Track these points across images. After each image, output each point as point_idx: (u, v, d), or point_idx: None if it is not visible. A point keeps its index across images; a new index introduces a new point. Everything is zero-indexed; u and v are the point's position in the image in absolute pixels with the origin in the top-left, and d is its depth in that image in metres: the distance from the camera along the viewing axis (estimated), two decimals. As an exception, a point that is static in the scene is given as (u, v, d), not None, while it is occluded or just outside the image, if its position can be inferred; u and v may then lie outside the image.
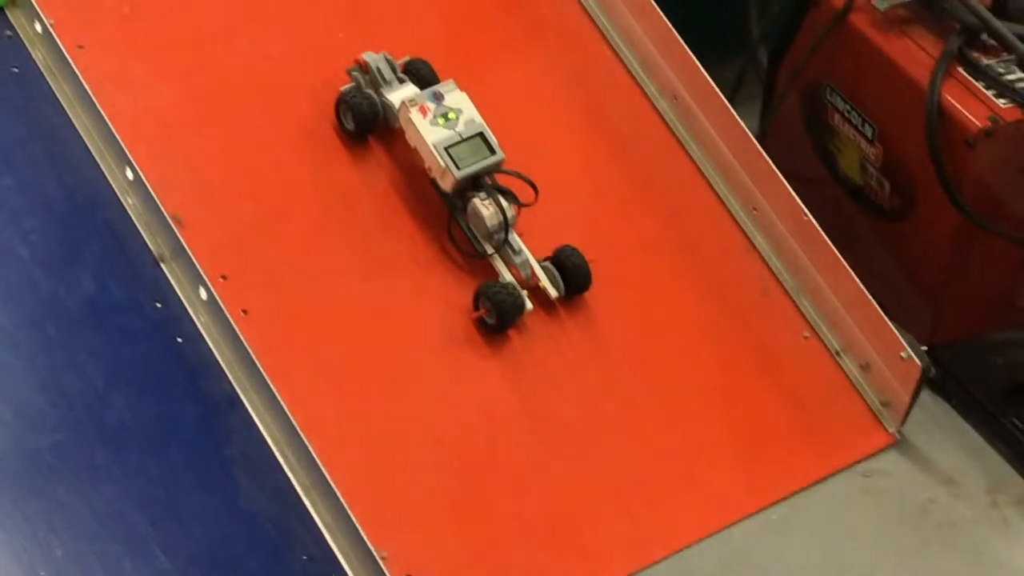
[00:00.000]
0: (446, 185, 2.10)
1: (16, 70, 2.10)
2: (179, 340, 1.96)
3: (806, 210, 2.16)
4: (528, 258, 2.11)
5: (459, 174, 2.08)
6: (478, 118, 2.11)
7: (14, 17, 2.13)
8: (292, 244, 2.09)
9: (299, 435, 1.86)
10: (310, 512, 1.86)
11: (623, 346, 2.15)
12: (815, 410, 2.15)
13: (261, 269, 2.04)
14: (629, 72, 2.33)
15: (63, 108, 2.08)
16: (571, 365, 2.11)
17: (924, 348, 2.17)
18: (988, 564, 2.04)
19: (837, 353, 2.18)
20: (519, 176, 2.11)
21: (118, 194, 2.03)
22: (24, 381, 1.90)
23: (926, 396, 2.17)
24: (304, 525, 1.85)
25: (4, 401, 1.87)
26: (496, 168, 2.11)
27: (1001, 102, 2.14)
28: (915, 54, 2.22)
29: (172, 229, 1.97)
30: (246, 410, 1.92)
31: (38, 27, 2.10)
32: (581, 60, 2.34)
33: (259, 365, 1.90)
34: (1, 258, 1.97)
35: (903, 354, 2.10)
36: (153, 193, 1.99)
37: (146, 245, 2.01)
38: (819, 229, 2.15)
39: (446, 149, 2.08)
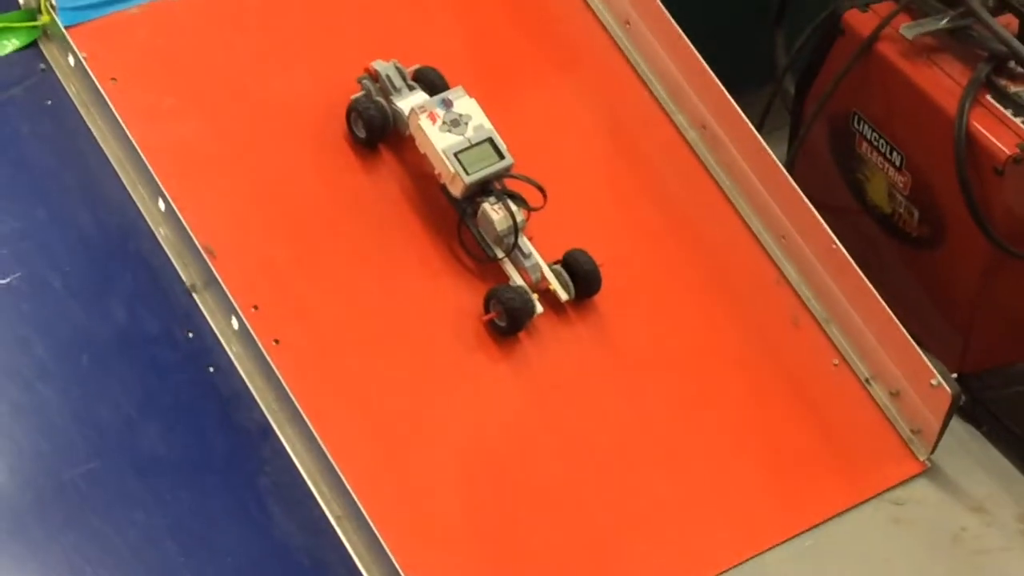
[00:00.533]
0: (456, 190, 2.11)
1: (50, 103, 2.13)
2: (211, 370, 1.97)
3: (835, 238, 2.15)
4: (538, 261, 2.12)
5: (468, 179, 2.09)
6: (487, 124, 2.12)
7: (48, 51, 2.16)
8: (321, 274, 2.09)
9: (331, 464, 1.86)
10: (342, 541, 1.86)
11: (636, 353, 2.15)
12: (846, 438, 2.14)
13: (292, 299, 2.05)
14: (658, 102, 2.33)
15: (96, 140, 2.10)
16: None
17: (954, 376, 2.17)
18: (1019, 593, 2.04)
19: (867, 381, 2.17)
20: (528, 180, 2.12)
21: (150, 225, 2.05)
22: (58, 411, 1.90)
23: (956, 423, 2.16)
24: (337, 554, 1.85)
25: (38, 431, 1.89)
26: (505, 173, 2.12)
27: (1032, 131, 2.14)
28: (943, 82, 2.22)
29: (204, 260, 1.98)
30: (278, 440, 1.92)
31: (71, 60, 2.13)
32: (611, 91, 2.35)
33: (291, 395, 1.90)
34: (35, 289, 1.98)
35: (933, 382, 2.09)
36: (185, 224, 2.00)
37: (178, 275, 2.02)
38: (848, 257, 2.14)
39: (455, 155, 2.09)
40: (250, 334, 1.93)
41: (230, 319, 1.96)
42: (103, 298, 1.99)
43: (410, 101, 2.15)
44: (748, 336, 2.19)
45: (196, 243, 1.99)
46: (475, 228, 2.13)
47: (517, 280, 2.11)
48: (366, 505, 1.83)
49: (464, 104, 2.13)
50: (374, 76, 2.18)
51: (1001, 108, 2.16)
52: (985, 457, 2.19)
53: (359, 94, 2.19)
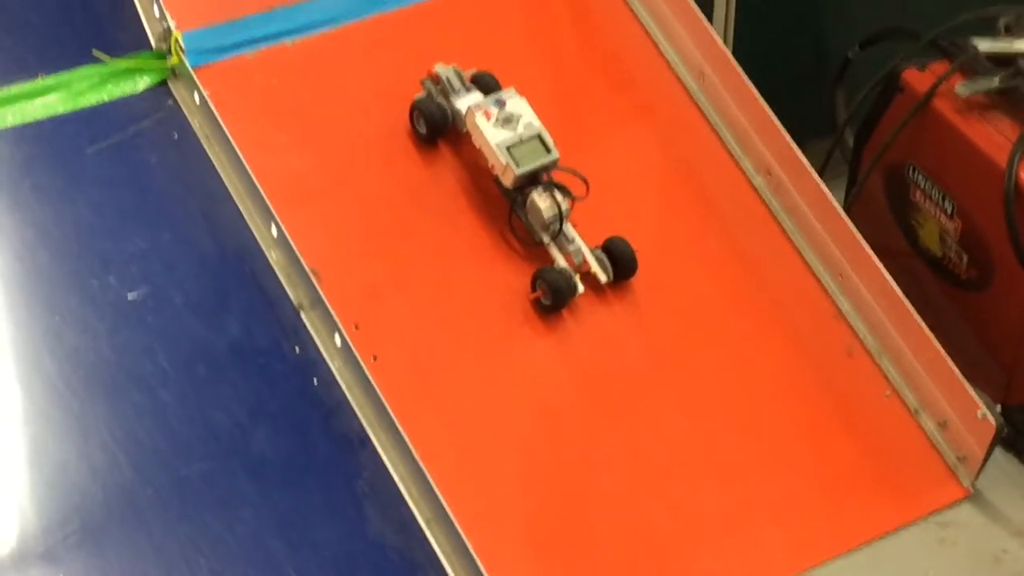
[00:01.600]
0: (507, 181, 2.13)
1: (176, 136, 2.14)
2: (315, 382, 1.98)
3: (889, 278, 2.15)
4: (581, 246, 2.14)
5: (519, 171, 2.11)
6: (536, 121, 2.14)
7: (175, 88, 2.18)
8: (417, 295, 2.10)
9: (422, 471, 1.87)
10: (431, 542, 1.86)
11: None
12: (895, 463, 2.13)
13: (389, 318, 2.05)
14: (727, 149, 2.32)
15: (216, 170, 2.11)
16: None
17: (998, 408, 2.16)
18: (1056, 613, 2.02)
19: (916, 411, 2.15)
20: (573, 172, 2.14)
21: (263, 248, 2.06)
22: (177, 415, 1.92)
23: (999, 453, 2.14)
24: (425, 554, 1.86)
25: (159, 432, 1.90)
26: (552, 166, 2.14)
27: (1076, 183, 2.13)
28: (994, 137, 2.21)
29: (311, 281, 1.99)
30: (374, 447, 1.93)
31: (196, 98, 2.15)
32: (683, 136, 2.34)
33: (387, 407, 1.91)
34: (159, 304, 1.99)
35: (979, 413, 2.07)
36: (295, 248, 2.01)
37: (287, 295, 2.03)
38: (901, 295, 2.13)
39: (508, 148, 2.11)
40: (351, 350, 1.95)
41: (333, 336, 1.97)
42: (220, 314, 2.01)
43: (467, 101, 2.18)
44: (805, 364, 2.17)
45: (304, 266, 2.00)
46: (524, 215, 2.15)
47: (561, 263, 2.13)
48: (453, 509, 1.84)
49: (516, 103, 2.15)
50: (435, 79, 2.21)
51: (1049, 162, 2.16)
52: (1026, 485, 2.19)
53: (421, 94, 2.22)
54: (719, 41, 2.33)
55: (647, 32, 2.40)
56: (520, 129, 2.13)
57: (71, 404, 1.90)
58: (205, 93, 2.13)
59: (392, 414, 1.90)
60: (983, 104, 2.26)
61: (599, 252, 2.15)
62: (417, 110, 2.20)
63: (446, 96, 2.20)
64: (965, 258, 2.28)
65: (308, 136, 2.19)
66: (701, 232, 2.27)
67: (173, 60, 2.16)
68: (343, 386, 1.97)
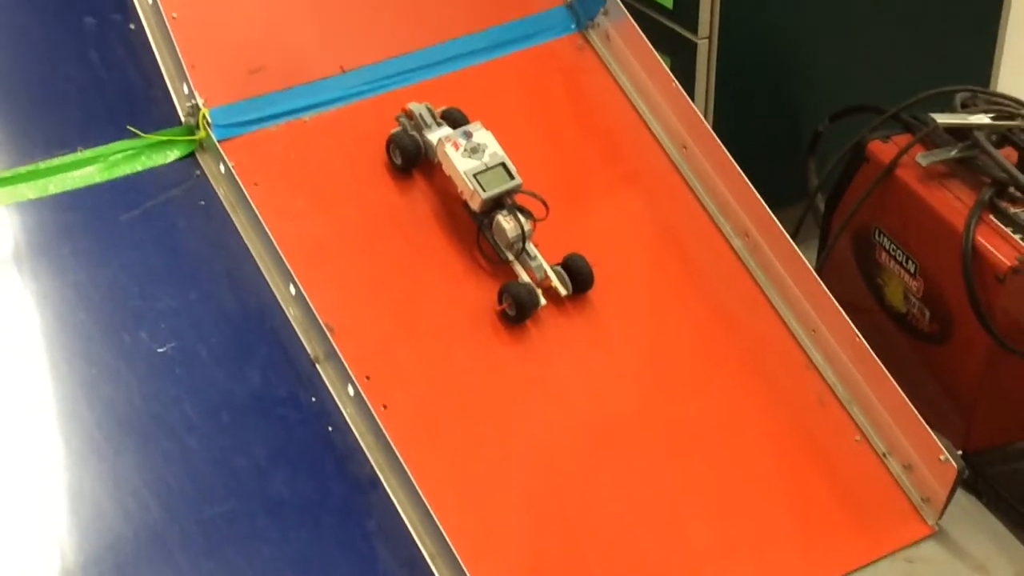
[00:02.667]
0: (475, 205, 2.16)
1: (202, 203, 2.14)
2: (330, 429, 1.97)
3: (857, 332, 2.15)
4: (542, 263, 2.16)
5: (485, 195, 2.14)
6: (500, 151, 2.17)
7: (203, 159, 2.18)
8: (425, 352, 2.10)
9: (429, 511, 1.87)
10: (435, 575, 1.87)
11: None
12: (864, 503, 2.12)
13: (399, 371, 2.06)
14: (708, 213, 2.33)
15: (239, 234, 2.12)
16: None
17: (959, 453, 2.15)
18: (1015, 642, 2.01)
19: (884, 455, 2.15)
20: (534, 195, 2.17)
21: (282, 305, 2.06)
22: (201, 459, 1.91)
23: (961, 494, 2.13)
24: (431, 589, 1.85)
25: (185, 475, 1.89)
26: (516, 190, 2.17)
27: (1028, 244, 2.14)
28: (952, 203, 2.21)
29: (326, 336, 1.99)
30: (384, 489, 1.92)
31: (222, 168, 2.16)
32: (668, 202, 2.35)
33: (396, 452, 1.91)
34: (186, 357, 1.99)
35: (942, 457, 2.08)
36: (311, 305, 2.01)
37: (304, 349, 2.03)
38: (868, 348, 2.14)
39: (474, 175, 2.15)
40: (363, 400, 1.95)
41: (347, 387, 1.97)
42: (242, 366, 2.00)
43: (438, 134, 2.21)
44: (780, 410, 2.17)
45: (320, 322, 2.00)
46: (491, 236, 2.18)
47: (524, 278, 2.16)
48: (457, 546, 1.83)
49: (482, 135, 2.19)
50: (409, 115, 2.24)
51: (1002, 226, 2.15)
52: (986, 524, 2.16)
53: (397, 129, 2.25)
54: (700, 117, 2.34)
55: (635, 108, 2.41)
56: (486, 158, 2.16)
57: (105, 450, 1.90)
58: (230, 164, 2.14)
59: (401, 459, 1.90)
60: (942, 173, 2.27)
61: (558, 268, 2.18)
62: (393, 143, 2.24)
63: (419, 130, 2.23)
64: (927, 314, 2.29)
65: (323, 203, 2.20)
66: (683, 288, 2.28)
67: (200, 134, 2.17)
68: (355, 433, 1.96)
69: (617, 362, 2.17)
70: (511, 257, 2.16)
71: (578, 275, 2.18)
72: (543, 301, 2.14)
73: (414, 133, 2.23)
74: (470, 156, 2.16)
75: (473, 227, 2.19)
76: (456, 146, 2.17)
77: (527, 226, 2.15)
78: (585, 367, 2.15)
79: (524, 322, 2.15)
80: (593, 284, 2.19)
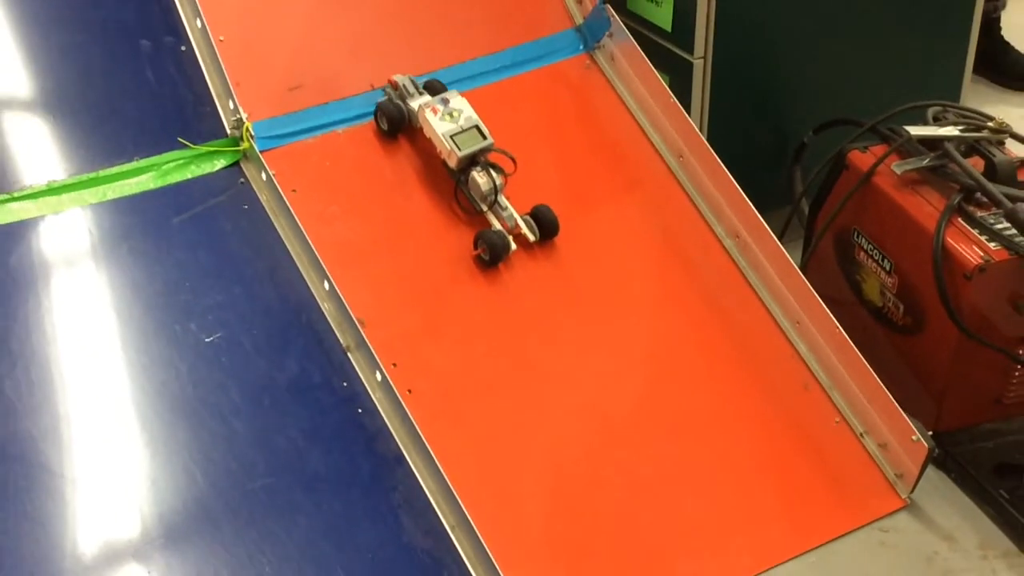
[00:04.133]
0: (452, 163, 2.19)
1: (246, 207, 2.15)
2: (360, 411, 1.97)
3: (838, 324, 2.15)
4: (512, 213, 2.19)
5: (460, 154, 2.17)
6: (474, 115, 2.21)
7: (246, 168, 2.19)
8: (445, 343, 2.10)
9: (449, 486, 1.87)
10: (455, 545, 1.86)
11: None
12: (844, 478, 2.12)
13: (422, 359, 2.06)
14: (702, 217, 2.33)
15: (280, 236, 2.12)
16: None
17: (930, 433, 2.14)
18: (980, 605, 2.00)
19: (861, 435, 2.15)
20: (503, 152, 2.20)
21: (318, 301, 2.06)
22: (245, 439, 1.92)
23: (931, 470, 2.13)
24: (451, 555, 1.85)
25: (230, 453, 1.90)
26: (488, 149, 2.19)
27: (992, 245, 2.11)
28: (924, 207, 2.20)
29: (357, 328, 2.00)
30: (409, 466, 1.93)
31: (264, 176, 2.16)
32: (666, 206, 2.34)
33: (420, 432, 1.91)
34: (231, 346, 2.00)
35: (914, 437, 2.07)
36: (344, 301, 2.02)
37: (337, 339, 2.03)
38: (848, 339, 2.13)
39: (451, 136, 2.17)
40: (390, 385, 1.95)
41: (375, 373, 1.98)
42: (281, 355, 2.01)
43: (419, 101, 2.23)
44: (767, 397, 2.17)
45: (351, 315, 2.01)
46: (467, 190, 2.20)
47: (497, 226, 2.18)
48: (474, 517, 1.84)
49: (457, 102, 2.22)
50: (394, 85, 2.26)
51: (970, 228, 2.14)
52: (954, 498, 2.15)
53: (383, 99, 2.26)
54: (696, 129, 2.34)
55: (637, 121, 2.41)
56: (461, 121, 2.19)
57: (159, 431, 1.90)
58: (271, 172, 2.14)
59: (424, 438, 1.91)
60: (915, 180, 2.25)
61: (527, 217, 2.20)
62: (379, 110, 2.25)
63: (403, 99, 2.25)
64: (901, 308, 2.27)
65: (355, 208, 2.20)
66: (680, 284, 2.27)
67: (245, 145, 2.18)
68: (383, 415, 1.97)
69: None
70: (485, 208, 2.20)
71: (544, 223, 2.21)
72: (514, 247, 2.17)
73: (398, 101, 2.25)
74: (447, 120, 2.19)
75: (451, 183, 2.22)
76: (435, 111, 2.20)
77: (499, 180, 2.18)
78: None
79: (497, 265, 2.18)
80: (558, 231, 2.22)
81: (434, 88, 2.27)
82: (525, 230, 2.19)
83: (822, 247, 2.41)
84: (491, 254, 2.15)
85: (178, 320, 2.00)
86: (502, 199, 2.19)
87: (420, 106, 2.20)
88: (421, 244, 2.18)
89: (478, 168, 2.18)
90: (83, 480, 1.84)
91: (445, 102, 2.20)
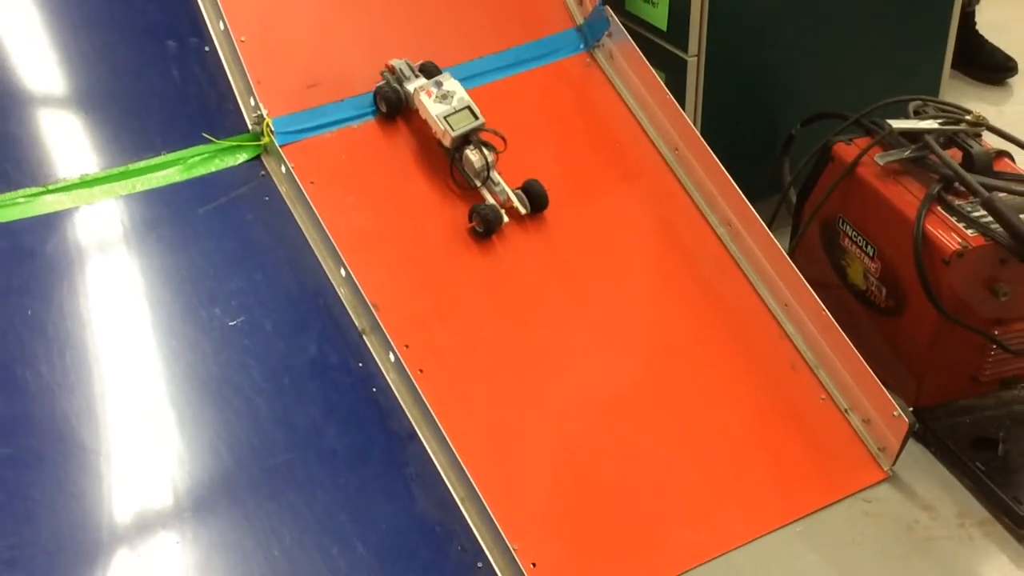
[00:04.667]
0: (446, 142, 2.18)
1: (267, 199, 2.15)
2: (374, 390, 1.97)
3: (823, 307, 2.14)
4: (504, 187, 2.18)
5: (454, 133, 2.16)
6: (466, 96, 2.21)
7: (267, 162, 2.18)
8: (454, 326, 2.09)
9: (458, 461, 1.87)
10: (464, 516, 1.86)
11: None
12: (829, 452, 2.11)
13: (432, 341, 2.05)
14: (696, 206, 2.32)
15: (298, 225, 2.12)
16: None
17: (910, 409, 2.14)
18: (957, 571, 1.98)
19: (846, 411, 2.14)
20: (495, 132, 2.20)
21: (334, 286, 2.06)
22: (266, 417, 1.92)
23: (911, 444, 2.12)
24: (460, 525, 1.86)
25: (252, 431, 1.90)
26: (480, 128, 2.19)
27: (969, 232, 2.10)
28: (905, 196, 2.19)
29: (371, 312, 2.00)
30: (420, 441, 1.93)
31: (283, 169, 2.15)
32: (662, 196, 2.33)
33: (431, 410, 1.91)
34: (253, 329, 2.00)
35: (895, 413, 2.07)
36: (359, 286, 2.02)
37: (353, 323, 2.03)
38: (833, 320, 2.13)
39: (445, 117, 2.17)
40: (403, 366, 1.95)
41: (388, 354, 1.97)
42: (300, 337, 2.00)
43: (415, 84, 2.22)
44: (757, 376, 2.16)
45: (366, 300, 2.01)
46: (461, 167, 2.19)
47: (490, 200, 2.17)
48: (482, 490, 1.84)
49: (450, 84, 2.21)
50: (391, 70, 2.25)
51: (948, 216, 2.13)
52: (933, 470, 2.14)
53: (381, 82, 2.25)
54: (690, 123, 2.32)
55: (635, 116, 2.39)
56: (454, 102, 2.18)
57: (185, 409, 1.90)
58: (290, 165, 2.14)
59: (434, 415, 1.90)
60: (897, 171, 2.24)
61: (518, 191, 2.19)
62: (378, 94, 2.24)
63: (400, 83, 2.23)
64: (884, 291, 2.26)
65: (369, 199, 2.19)
66: (676, 270, 2.26)
67: (265, 140, 2.17)
68: (396, 393, 1.97)
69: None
70: (479, 184, 2.19)
71: (534, 196, 2.20)
72: (506, 219, 2.17)
73: (396, 86, 2.23)
74: (441, 101, 2.18)
75: (447, 161, 2.21)
76: (429, 94, 2.19)
77: (490, 158, 2.18)
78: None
79: (491, 237, 2.17)
80: (548, 204, 2.21)
81: (429, 70, 2.26)
82: (516, 203, 2.19)
83: (809, 234, 2.40)
84: (485, 227, 2.15)
85: (204, 305, 2.00)
86: (494, 175, 2.19)
87: (415, 89, 2.20)
88: (422, 221, 2.17)
89: (471, 146, 2.18)
90: (116, 456, 1.84)
91: (439, 84, 2.20)
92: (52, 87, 2.16)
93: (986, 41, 3.16)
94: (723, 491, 2.03)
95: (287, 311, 2.02)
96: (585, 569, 1.91)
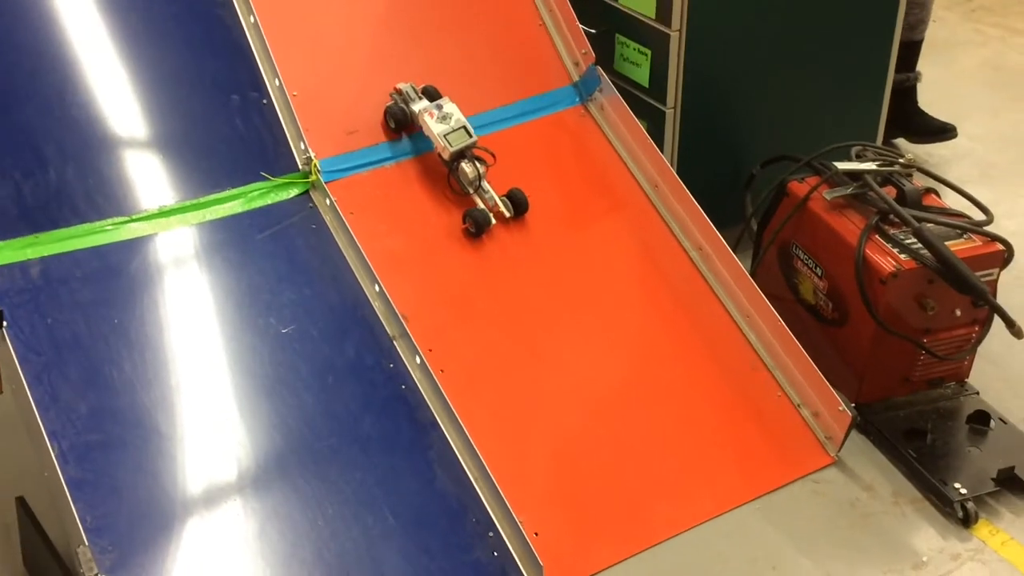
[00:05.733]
0: (445, 156, 2.21)
1: (314, 226, 2.13)
2: (403, 387, 1.97)
3: (780, 318, 2.15)
4: (493, 195, 2.21)
5: (452, 149, 2.19)
6: (462, 118, 2.22)
7: (315, 196, 2.17)
8: (471, 332, 2.10)
9: (472, 446, 1.87)
10: (478, 493, 1.86)
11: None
12: (784, 440, 2.12)
13: (452, 345, 2.06)
14: (672, 233, 2.32)
15: (340, 249, 2.10)
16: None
17: (853, 404, 2.15)
18: (892, 541, 1.99)
19: (798, 406, 2.14)
20: (485, 150, 2.23)
21: (370, 300, 2.05)
22: (313, 409, 1.91)
23: (854, 434, 2.13)
24: (474, 500, 1.85)
25: (301, 420, 1.90)
26: (473, 145, 2.21)
27: (903, 257, 2.11)
28: (848, 226, 2.20)
29: (400, 321, 2.00)
30: (441, 429, 1.92)
31: (328, 202, 2.15)
32: (644, 226, 2.33)
33: (450, 404, 1.91)
34: (302, 335, 1.98)
35: (840, 408, 2.08)
36: (390, 300, 2.01)
37: (385, 330, 2.02)
38: (787, 330, 2.13)
39: (444, 136, 2.19)
40: (426, 367, 1.95)
41: (415, 357, 1.97)
42: (341, 342, 2.00)
43: (419, 105, 2.24)
44: (723, 376, 2.16)
45: (396, 311, 2.00)
46: (457, 176, 2.21)
47: (481, 205, 2.20)
48: (492, 470, 1.84)
49: (450, 107, 2.24)
50: (399, 92, 2.27)
51: (885, 243, 2.14)
52: (872, 456, 2.15)
53: (391, 103, 2.27)
54: (667, 164, 2.33)
55: (621, 158, 2.40)
56: (452, 122, 2.21)
57: (245, 402, 1.91)
58: (333, 199, 2.13)
59: (453, 408, 1.91)
60: (841, 204, 2.25)
61: (503, 198, 2.22)
62: (388, 112, 2.26)
63: (406, 103, 2.25)
64: (830, 305, 2.27)
65: (399, 227, 2.20)
66: (655, 287, 2.26)
67: (313, 178, 2.17)
68: (421, 390, 1.96)
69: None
70: (471, 191, 2.21)
71: (516, 202, 2.23)
72: (494, 221, 2.19)
73: (403, 105, 2.26)
74: (441, 122, 2.20)
75: (445, 171, 2.24)
76: (431, 115, 2.21)
77: (481, 169, 2.20)
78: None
79: (481, 236, 2.18)
80: (528, 209, 2.23)
81: (431, 93, 2.28)
82: (502, 208, 2.22)
83: (767, 257, 2.41)
84: (476, 227, 2.18)
85: (261, 315, 2.00)
86: (485, 184, 2.21)
87: (420, 110, 2.22)
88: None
89: (466, 160, 2.20)
90: (186, 440, 1.85)
91: (440, 107, 2.22)
92: (137, 132, 2.16)
93: (926, 113, 3.12)
94: (695, 473, 2.04)
95: (330, 320, 2.02)
96: (579, 538, 1.92)
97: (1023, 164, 3.06)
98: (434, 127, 2.20)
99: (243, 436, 1.87)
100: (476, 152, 2.22)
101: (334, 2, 2.34)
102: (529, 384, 2.07)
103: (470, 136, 2.20)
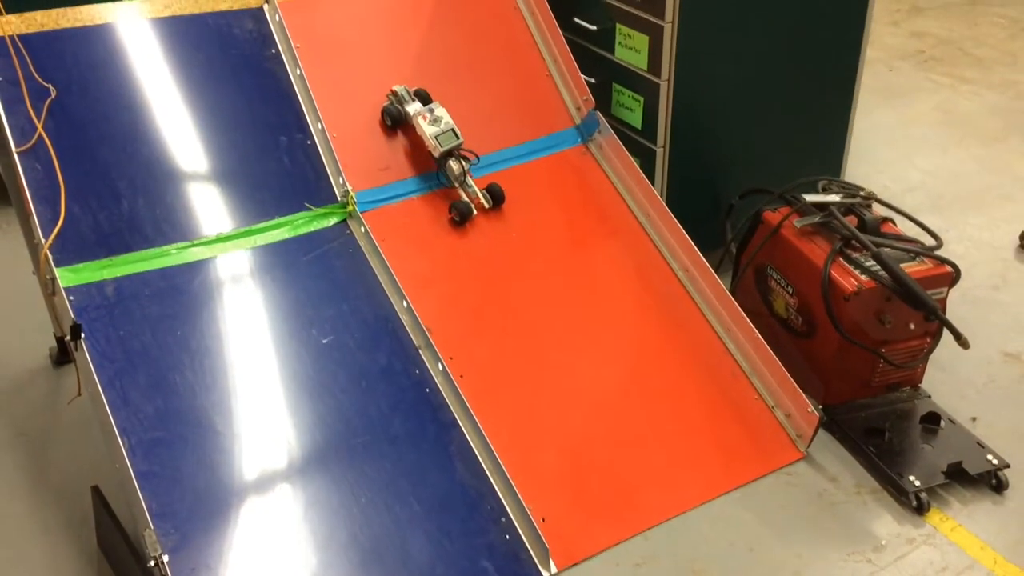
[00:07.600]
0: (435, 155, 2.21)
1: (351, 251, 2.14)
2: (427, 391, 1.97)
3: (756, 331, 2.14)
4: (475, 189, 2.22)
5: (442, 149, 2.19)
6: (451, 121, 2.22)
7: (352, 224, 2.17)
8: (487, 343, 2.09)
9: (487, 443, 1.87)
10: (492, 483, 1.86)
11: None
12: (760, 437, 2.10)
13: (470, 354, 2.05)
14: (662, 255, 2.31)
15: (374, 270, 2.11)
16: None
17: (820, 406, 2.13)
18: (854, 527, 1.97)
19: (772, 407, 2.13)
20: (469, 152, 2.23)
21: (399, 314, 2.06)
22: (349, 409, 1.92)
23: (821, 432, 2.12)
24: (489, 490, 1.86)
25: (339, 418, 1.90)
26: (460, 146, 2.22)
27: (863, 277, 2.10)
28: (816, 251, 2.19)
29: (425, 333, 2.00)
30: (460, 428, 1.93)
31: (362, 229, 2.15)
32: (637, 249, 2.32)
33: (468, 406, 1.91)
34: (340, 345, 1.99)
35: (809, 409, 2.06)
36: (416, 315, 2.02)
37: (412, 340, 2.02)
38: (763, 341, 2.12)
39: (435, 136, 2.19)
40: (448, 373, 1.95)
41: (438, 364, 1.98)
42: (374, 351, 2.00)
43: (413, 107, 2.24)
44: (707, 381, 2.15)
45: (421, 324, 2.01)
46: (445, 173, 2.22)
47: (465, 198, 2.20)
48: (506, 464, 1.84)
49: (440, 111, 2.23)
50: (395, 93, 2.27)
51: (848, 265, 2.13)
52: (837, 452, 2.13)
53: (387, 103, 2.27)
54: (658, 196, 2.33)
55: (618, 191, 2.39)
56: (442, 125, 2.21)
57: (291, 403, 1.91)
58: (368, 227, 2.14)
59: (471, 410, 1.91)
60: (809, 232, 2.24)
61: (484, 191, 2.23)
62: (385, 112, 2.26)
63: (401, 104, 2.25)
64: (800, 319, 2.25)
65: (424, 250, 2.20)
66: (647, 305, 2.24)
67: (350, 208, 2.17)
68: (443, 393, 1.97)
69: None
70: (457, 185, 2.21)
71: (495, 194, 2.23)
72: (476, 212, 2.19)
73: (398, 106, 2.26)
74: (432, 124, 2.20)
75: (434, 166, 2.25)
76: (424, 118, 2.21)
77: (466, 166, 2.22)
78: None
79: (464, 225, 2.19)
80: (504, 200, 2.24)
81: (423, 96, 2.28)
82: (482, 199, 2.23)
83: (745, 277, 2.40)
84: (460, 216, 2.19)
85: (304, 327, 2.01)
86: (468, 180, 2.22)
87: (414, 113, 2.23)
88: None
89: (453, 158, 2.22)
90: (240, 437, 1.85)
91: (431, 111, 2.22)
92: (198, 168, 2.17)
93: None
94: (682, 466, 2.03)
95: (364, 332, 2.02)
96: (581, 523, 1.91)
97: (969, 195, 3.04)
98: (426, 129, 2.20)
99: (288, 433, 1.87)
100: (461, 152, 2.24)
101: (371, 59, 2.35)
102: (538, 388, 2.07)
103: (457, 138, 2.21)
